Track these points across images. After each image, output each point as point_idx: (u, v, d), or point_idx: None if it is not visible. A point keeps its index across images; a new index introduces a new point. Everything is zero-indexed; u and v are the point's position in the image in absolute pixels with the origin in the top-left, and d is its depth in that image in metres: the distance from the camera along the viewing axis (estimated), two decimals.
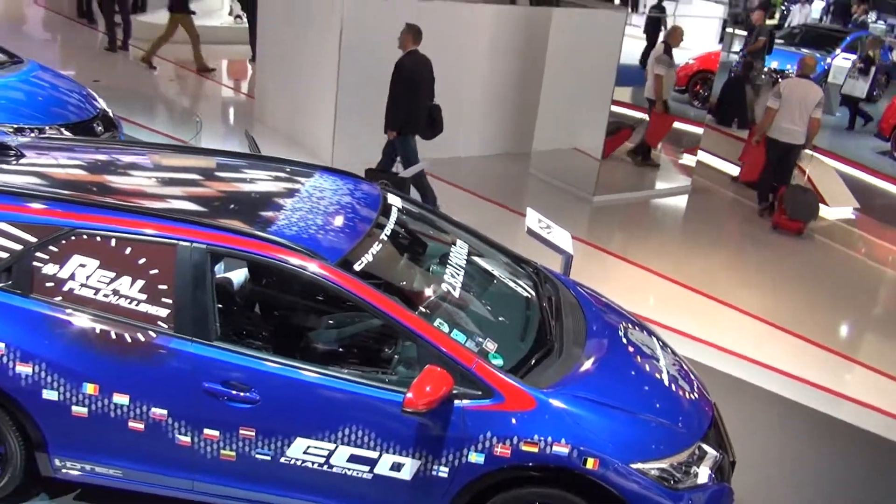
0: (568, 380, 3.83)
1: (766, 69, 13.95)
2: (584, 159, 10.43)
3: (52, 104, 7.56)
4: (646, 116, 10.87)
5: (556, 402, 3.66)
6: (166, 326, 3.66)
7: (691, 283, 7.74)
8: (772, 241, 9.39)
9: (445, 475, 3.63)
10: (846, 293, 8.28)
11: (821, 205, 9.93)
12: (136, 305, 3.67)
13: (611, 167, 10.34)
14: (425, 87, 7.84)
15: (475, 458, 3.60)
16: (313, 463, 3.69)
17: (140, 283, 3.68)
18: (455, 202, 8.93)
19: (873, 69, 15.06)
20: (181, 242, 3.67)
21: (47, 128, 7.13)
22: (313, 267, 3.66)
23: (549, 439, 3.56)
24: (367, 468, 3.67)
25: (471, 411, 3.59)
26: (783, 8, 23.10)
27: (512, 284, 4.61)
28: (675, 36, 10.61)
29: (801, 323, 7.25)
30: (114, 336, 3.64)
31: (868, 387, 6.43)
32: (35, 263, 3.69)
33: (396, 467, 3.65)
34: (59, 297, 3.69)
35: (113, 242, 3.69)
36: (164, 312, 3.66)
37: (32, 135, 6.89)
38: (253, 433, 3.67)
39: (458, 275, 4.32)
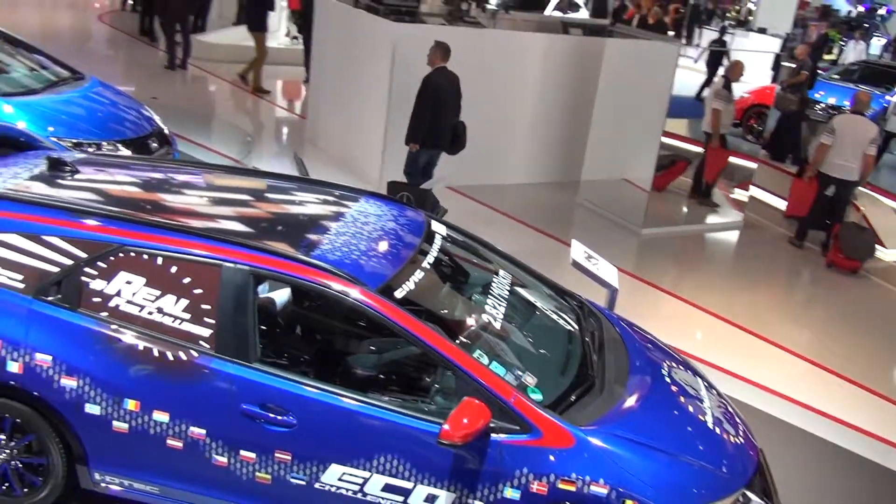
0: (608, 418, 3.75)
1: (823, 105, 13.73)
2: (633, 191, 10.33)
3: (111, 120, 7.75)
4: (702, 150, 10.72)
5: (595, 441, 3.59)
6: (208, 346, 3.68)
7: (739, 321, 7.57)
8: (825, 279, 9.16)
9: None
10: None
11: (877, 245, 9.67)
12: (180, 324, 3.71)
13: (660, 199, 10.22)
14: (450, 103, 8.02)
15: (511, 493, 3.54)
16: (347, 490, 3.66)
17: (184, 301, 3.71)
18: (500, 229, 8.92)
19: None
20: (225, 263, 3.70)
21: (104, 143, 7.31)
22: (354, 293, 3.66)
23: (588, 479, 3.49)
24: (400, 498, 3.63)
25: (508, 446, 3.54)
26: (841, 43, 22.74)
27: (554, 317, 4.56)
28: (736, 71, 10.49)
29: (854, 367, 7.03)
30: (156, 354, 3.68)
31: None
32: (83, 278, 3.76)
33: (430, 499, 3.61)
34: (106, 313, 3.74)
35: (159, 261, 3.74)
36: (206, 332, 3.69)
37: (90, 150, 7.07)
38: (289, 457, 3.66)
39: (500, 305, 4.28)
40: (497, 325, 4.13)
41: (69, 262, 3.77)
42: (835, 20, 21.52)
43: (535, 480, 3.51)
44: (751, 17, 17.51)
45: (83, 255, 3.77)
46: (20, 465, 3.92)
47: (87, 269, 3.76)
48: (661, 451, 3.71)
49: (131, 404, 3.69)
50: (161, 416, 3.69)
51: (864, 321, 8.20)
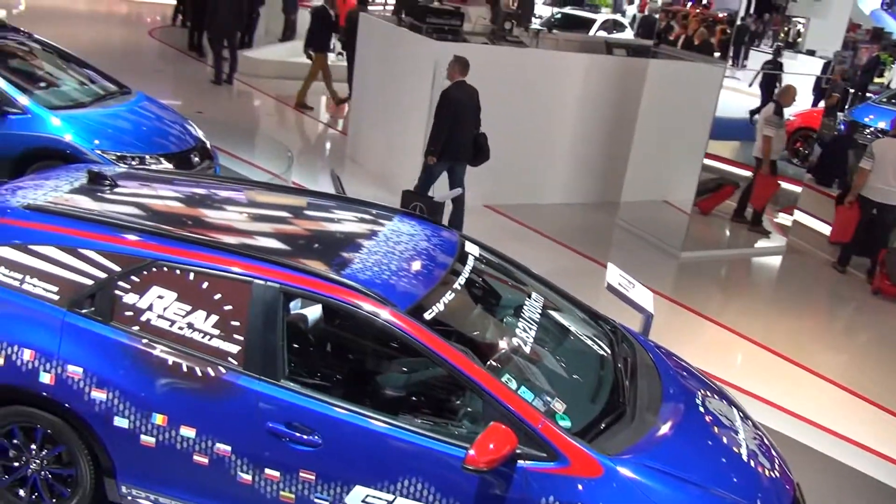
0: (639, 447, 3.67)
1: (872, 129, 13.46)
2: (673, 213, 10.19)
3: (155, 134, 7.89)
4: (750, 174, 10.53)
5: (624, 471, 3.51)
6: (236, 363, 3.69)
7: (779, 348, 7.40)
8: (870, 306, 8.92)
9: None
10: None
11: None
12: (209, 340, 3.72)
13: (701, 222, 10.08)
14: (470, 116, 8.15)
15: None
16: None
17: (214, 318, 3.73)
18: (537, 248, 8.87)
19: None
20: (256, 280, 3.72)
21: (148, 156, 7.43)
22: (383, 313, 3.64)
23: None
24: None
25: (534, 473, 3.48)
26: (894, 66, 22.28)
27: (586, 342, 4.49)
28: (788, 96, 10.21)
29: None
30: (185, 369, 3.69)
31: None
32: (116, 292, 3.80)
33: None
34: (137, 327, 3.78)
35: (191, 276, 3.76)
36: (234, 349, 3.70)
37: (134, 163, 7.20)
38: (313, 477, 3.64)
39: (531, 329, 4.23)
40: (527, 349, 4.07)
41: (103, 275, 3.81)
42: (887, 42, 21.04)
43: None
44: (799, 39, 17.25)
45: (117, 268, 3.81)
46: (50, 476, 3.97)
47: (120, 283, 3.80)
48: (692, 483, 3.61)
49: (159, 419, 3.71)
50: (188, 432, 3.70)
51: None
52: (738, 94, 14.28)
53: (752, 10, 17.31)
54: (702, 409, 4.20)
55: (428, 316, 3.76)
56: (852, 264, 9.73)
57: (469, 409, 3.81)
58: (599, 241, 9.70)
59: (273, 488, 3.70)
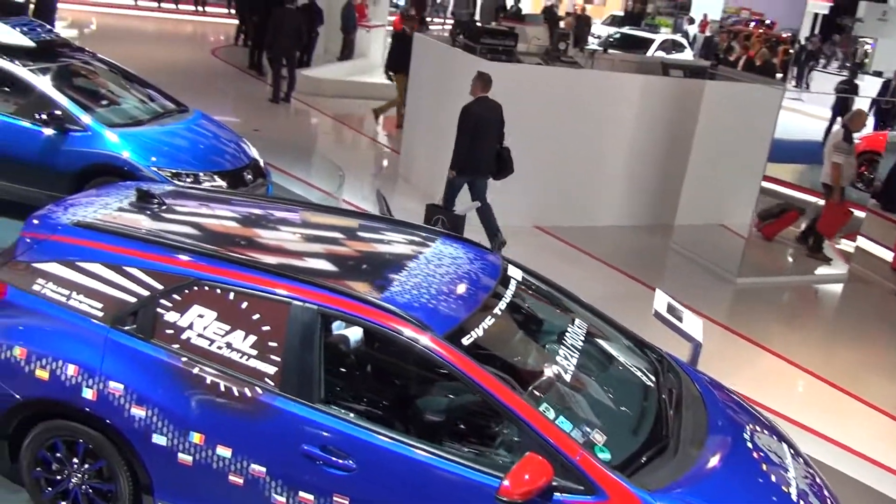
0: (681, 483, 3.55)
1: None
2: (729, 237, 9.96)
3: (211, 152, 8.02)
4: (816, 200, 10.21)
5: None
6: (273, 384, 3.69)
7: (837, 380, 7.13)
8: None
9: None
10: None
11: None
12: (247, 360, 3.73)
13: (759, 248, 9.82)
14: (492, 131, 8.18)
15: None
16: None
17: (252, 338, 3.74)
18: (587, 271, 8.75)
19: None
20: (294, 301, 3.72)
21: (202, 174, 7.56)
22: (420, 337, 3.60)
23: None
24: None
25: None
26: None
27: (630, 370, 4.38)
28: (858, 121, 9.88)
29: None
30: (223, 388, 3.71)
31: None
32: (158, 310, 3.84)
33: None
34: (177, 345, 3.81)
35: (231, 296, 3.78)
36: (271, 370, 3.70)
37: (189, 180, 7.33)
38: (346, 501, 3.61)
39: (573, 356, 4.14)
40: (568, 377, 3.99)
41: (146, 293, 3.86)
42: None
43: None
44: (866, 60, 16.80)
45: (160, 286, 3.85)
46: (90, 490, 4.01)
47: (162, 301, 3.84)
48: None
49: (196, 437, 3.73)
50: (224, 451, 3.71)
51: None
52: (800, 116, 13.92)
53: (816, 31, 16.94)
54: (750, 445, 4.05)
55: (466, 341, 3.71)
56: None
57: (506, 438, 3.74)
58: (652, 264, 9.52)
59: None
